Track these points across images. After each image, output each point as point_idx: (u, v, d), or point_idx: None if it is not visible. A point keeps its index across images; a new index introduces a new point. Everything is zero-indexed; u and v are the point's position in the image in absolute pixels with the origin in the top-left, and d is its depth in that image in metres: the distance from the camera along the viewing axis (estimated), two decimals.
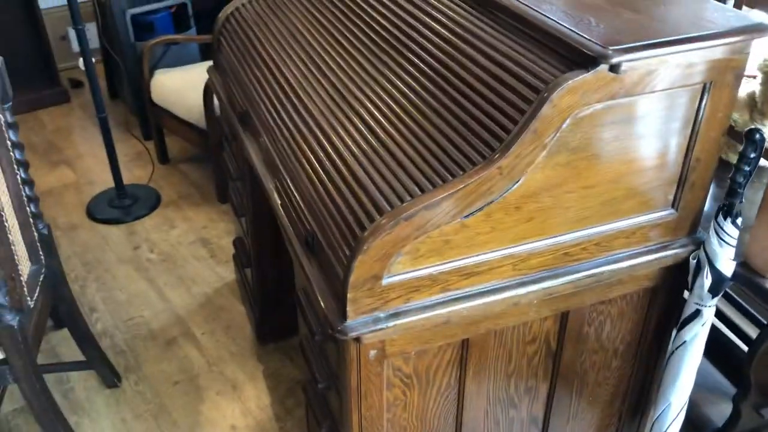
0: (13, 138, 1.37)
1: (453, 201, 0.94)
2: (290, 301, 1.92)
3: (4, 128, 1.34)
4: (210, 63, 2.84)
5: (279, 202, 1.28)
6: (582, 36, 0.96)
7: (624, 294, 1.20)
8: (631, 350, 1.30)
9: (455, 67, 1.09)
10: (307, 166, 1.17)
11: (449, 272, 1.02)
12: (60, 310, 1.70)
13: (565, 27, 0.99)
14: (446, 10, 1.21)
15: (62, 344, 1.97)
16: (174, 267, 2.32)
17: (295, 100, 1.31)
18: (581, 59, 0.94)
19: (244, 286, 2.08)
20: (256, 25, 1.63)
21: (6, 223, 1.29)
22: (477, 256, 1.03)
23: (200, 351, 1.99)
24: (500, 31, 1.09)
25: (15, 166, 1.37)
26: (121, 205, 2.61)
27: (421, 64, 1.15)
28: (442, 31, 1.16)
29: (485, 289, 1.06)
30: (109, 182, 2.68)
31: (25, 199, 1.43)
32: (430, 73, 1.12)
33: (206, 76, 2.43)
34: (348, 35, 1.41)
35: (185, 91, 2.56)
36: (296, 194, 1.19)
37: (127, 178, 2.64)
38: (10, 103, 1.37)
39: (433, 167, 0.99)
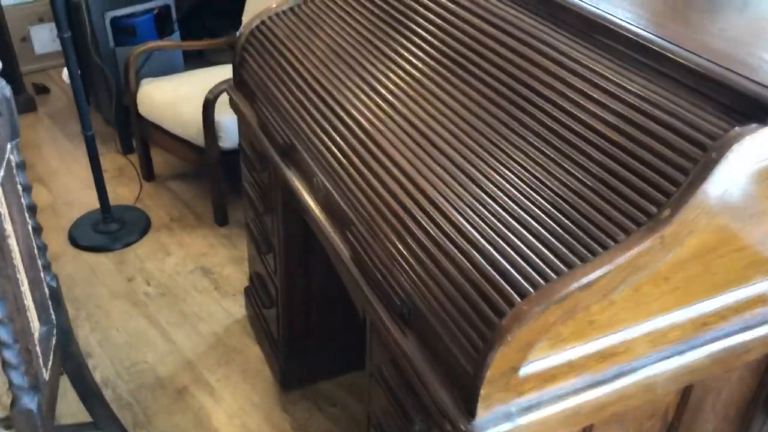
0: (22, 181, 1.15)
1: (609, 277, 0.79)
2: (317, 345, 1.75)
3: (13, 169, 1.12)
4: (198, 72, 2.64)
5: (349, 255, 1.10)
6: (752, 81, 0.82)
7: (749, 360, 1.07)
8: (740, 415, 1.18)
9: (588, 119, 0.93)
10: (397, 224, 0.99)
11: (588, 356, 0.87)
12: (66, 366, 1.48)
13: (727, 69, 0.85)
14: (563, 47, 1.05)
15: (59, 399, 1.74)
16: (175, 301, 2.10)
17: (365, 138, 1.13)
18: (753, 109, 0.80)
19: (261, 326, 1.88)
20: (291, 40, 1.44)
21: (21, 287, 1.07)
22: (617, 334, 0.88)
23: (217, 401, 1.78)
24: (642, 75, 0.94)
25: (26, 214, 1.16)
26: (108, 230, 2.37)
27: (541, 114, 0.99)
28: (565, 74, 1.00)
29: (621, 371, 0.91)
30: (90, 203, 2.44)
31: (36, 250, 1.21)
32: (552, 125, 0.96)
33: (201, 88, 2.23)
34: (409, 55, 1.24)
35: (179, 105, 2.33)
36: (378, 253, 1.02)
37: (110, 198, 2.39)
38: (18, 140, 1.15)
39: (575, 237, 0.83)
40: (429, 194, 0.97)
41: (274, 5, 1.57)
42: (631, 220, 0.82)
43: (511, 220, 0.88)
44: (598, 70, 0.96)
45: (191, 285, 2.16)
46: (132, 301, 2.10)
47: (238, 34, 1.59)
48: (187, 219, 2.46)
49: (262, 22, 1.54)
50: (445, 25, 1.23)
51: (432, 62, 1.20)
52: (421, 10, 1.29)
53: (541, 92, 1.00)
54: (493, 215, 0.90)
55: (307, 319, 1.70)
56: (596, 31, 1.02)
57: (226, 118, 2.17)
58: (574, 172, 0.90)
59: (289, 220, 1.50)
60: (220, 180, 2.30)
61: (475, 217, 0.91)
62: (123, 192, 2.58)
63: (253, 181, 1.64)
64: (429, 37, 1.24)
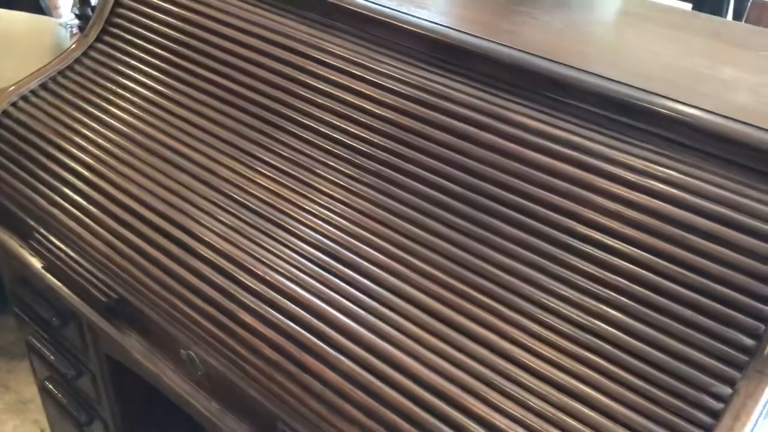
0: None
1: None
2: None
3: None
4: None
5: None
6: None
7: None
8: None
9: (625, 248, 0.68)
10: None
11: None
12: None
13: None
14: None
15: None
16: None
17: (254, 281, 0.76)
18: None
19: None
20: (66, 133, 0.98)
21: None
22: None
23: None
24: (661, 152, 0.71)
25: None
26: None
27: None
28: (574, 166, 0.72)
29: None
30: None
31: None
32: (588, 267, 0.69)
33: None
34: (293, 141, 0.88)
35: None
36: None
37: None
38: None
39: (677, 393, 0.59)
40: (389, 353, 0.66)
41: (11, 85, 1.07)
42: (725, 362, 0.60)
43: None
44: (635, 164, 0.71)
45: None
46: None
47: None
48: None
49: (6, 112, 1.03)
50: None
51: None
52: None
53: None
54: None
55: None
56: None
57: None
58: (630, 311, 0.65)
59: (122, 382, 1.06)
60: None
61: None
62: None
63: (45, 337, 1.14)
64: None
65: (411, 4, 0.89)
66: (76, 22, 2.21)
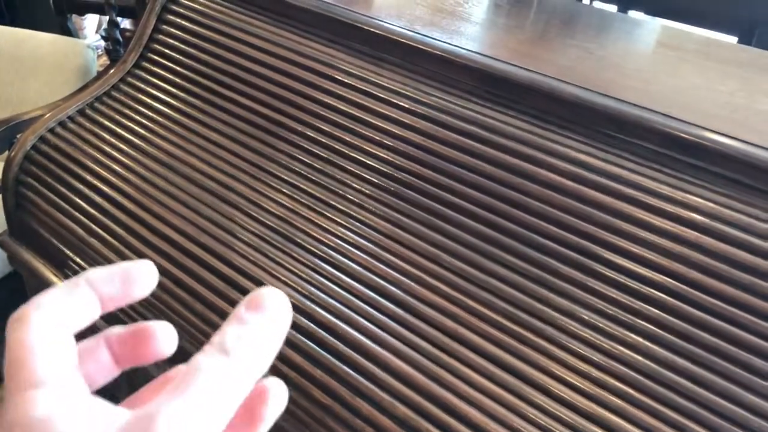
0: None
1: None
2: None
3: None
4: None
5: None
6: None
7: None
8: None
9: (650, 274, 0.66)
10: None
11: None
12: None
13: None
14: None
15: None
16: None
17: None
18: None
19: None
20: (107, 162, 0.96)
21: None
22: None
23: None
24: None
25: None
26: None
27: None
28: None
29: None
30: None
31: None
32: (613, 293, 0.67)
33: None
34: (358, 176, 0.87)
35: None
36: None
37: None
38: None
39: None
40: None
41: (47, 113, 1.06)
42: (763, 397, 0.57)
43: None
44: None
45: None
46: None
47: (9, 154, 1.05)
48: None
49: (44, 138, 1.02)
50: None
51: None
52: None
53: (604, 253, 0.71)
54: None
55: None
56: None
57: None
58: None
59: None
60: None
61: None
62: None
63: None
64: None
65: (461, 36, 0.88)
66: (103, 43, 2.22)
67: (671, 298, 0.65)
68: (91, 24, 2.40)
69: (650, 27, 1.15)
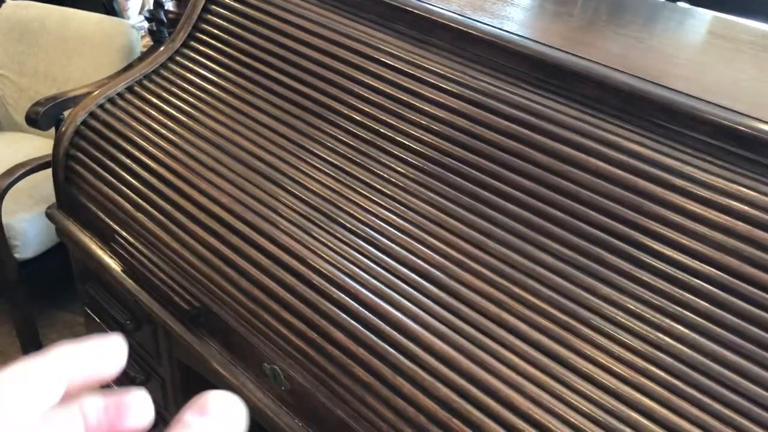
0: None
1: None
2: None
3: None
4: None
5: None
6: None
7: None
8: None
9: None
10: None
11: None
12: None
13: None
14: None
15: None
16: None
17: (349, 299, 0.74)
18: None
19: None
20: (155, 138, 0.98)
21: None
22: None
23: None
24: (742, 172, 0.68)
25: None
26: None
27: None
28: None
29: None
30: None
31: None
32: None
33: None
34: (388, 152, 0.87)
35: None
36: None
37: None
38: None
39: None
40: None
41: (95, 90, 1.08)
42: None
43: None
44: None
45: None
46: None
47: (59, 129, 1.07)
48: None
49: (94, 114, 1.04)
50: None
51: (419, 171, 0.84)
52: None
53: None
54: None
55: None
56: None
57: (20, 218, 1.58)
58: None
59: (192, 390, 1.05)
60: (23, 302, 1.69)
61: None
62: None
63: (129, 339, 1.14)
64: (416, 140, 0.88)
65: (510, 21, 0.87)
66: (146, 24, 2.24)
67: (720, 291, 0.64)
68: (134, 5, 2.43)
69: (701, 17, 1.13)
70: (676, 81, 0.75)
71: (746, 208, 0.66)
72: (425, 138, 0.84)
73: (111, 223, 0.99)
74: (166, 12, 1.66)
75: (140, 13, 2.47)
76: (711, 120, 0.69)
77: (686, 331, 0.64)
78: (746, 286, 0.64)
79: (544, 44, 0.80)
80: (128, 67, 1.14)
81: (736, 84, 0.79)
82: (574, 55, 0.78)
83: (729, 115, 0.69)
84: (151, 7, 1.73)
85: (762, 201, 0.65)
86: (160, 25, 1.70)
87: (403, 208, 0.81)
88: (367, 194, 0.83)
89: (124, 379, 1.19)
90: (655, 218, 0.69)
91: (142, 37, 2.14)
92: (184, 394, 1.06)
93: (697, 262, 0.66)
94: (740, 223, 0.65)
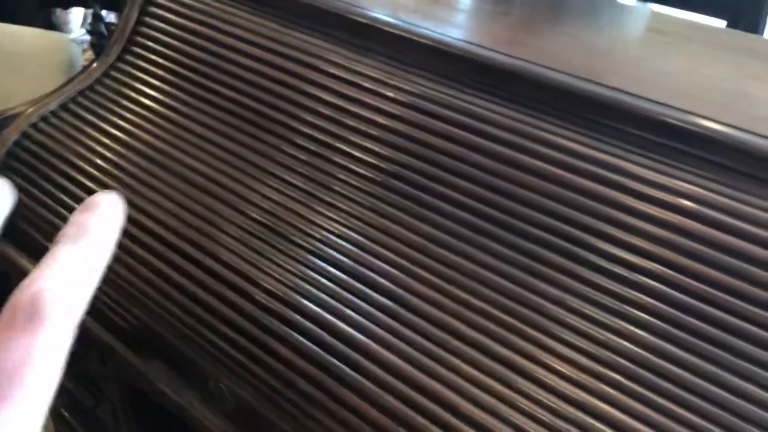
0: None
1: None
2: None
3: None
4: None
5: None
6: None
7: None
8: None
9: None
10: None
11: None
12: None
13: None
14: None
15: None
16: None
17: (288, 309, 0.72)
18: None
19: None
20: (89, 155, 0.95)
21: None
22: None
23: None
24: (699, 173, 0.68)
25: None
26: None
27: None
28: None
29: None
30: None
31: None
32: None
33: None
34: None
35: None
36: None
37: None
38: None
39: None
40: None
41: (29, 108, 1.04)
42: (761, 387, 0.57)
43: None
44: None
45: None
46: None
47: None
48: None
49: (26, 133, 1.01)
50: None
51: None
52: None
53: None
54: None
55: None
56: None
57: None
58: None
59: (143, 413, 1.02)
60: None
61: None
62: None
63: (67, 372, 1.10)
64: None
65: (446, 23, 0.87)
66: (88, 38, 2.20)
67: (660, 284, 0.65)
68: (76, 18, 2.37)
69: (639, 12, 1.14)
70: (609, 77, 0.76)
71: (681, 200, 0.66)
72: (366, 144, 0.83)
73: (46, 243, 0.95)
74: (107, 24, 1.62)
75: (82, 26, 2.41)
76: (643, 114, 0.70)
77: (628, 326, 0.65)
78: (684, 278, 0.64)
79: (477, 45, 0.79)
80: (65, 84, 1.11)
81: (668, 77, 0.80)
82: (508, 55, 0.78)
83: (661, 109, 0.70)
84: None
85: (694, 192, 0.66)
86: (101, 38, 1.67)
87: (345, 215, 0.80)
88: (310, 204, 0.82)
89: (75, 405, 1.15)
90: (592, 214, 0.69)
91: (85, 50, 2.09)
92: (136, 417, 1.03)
93: (635, 256, 0.66)
94: (676, 216, 0.66)
